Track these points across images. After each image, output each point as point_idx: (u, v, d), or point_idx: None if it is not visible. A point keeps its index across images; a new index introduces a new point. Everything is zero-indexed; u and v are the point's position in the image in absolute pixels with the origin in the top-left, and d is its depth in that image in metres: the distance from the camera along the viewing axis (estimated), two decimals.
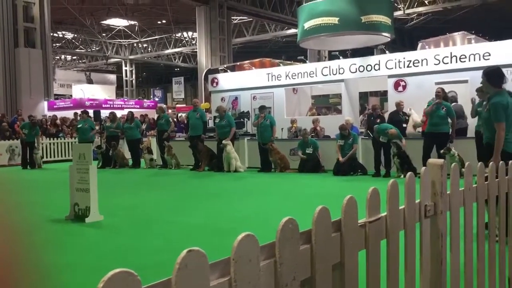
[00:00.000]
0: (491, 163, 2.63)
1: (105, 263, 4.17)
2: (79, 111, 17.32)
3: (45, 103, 22.60)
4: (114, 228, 5.85)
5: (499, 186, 2.66)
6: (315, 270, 1.30)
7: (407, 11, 28.75)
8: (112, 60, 42.50)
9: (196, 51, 31.91)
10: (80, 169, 6.23)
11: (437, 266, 1.95)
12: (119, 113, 16.75)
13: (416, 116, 11.37)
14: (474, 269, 2.30)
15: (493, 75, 4.84)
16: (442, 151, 9.02)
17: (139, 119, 17.24)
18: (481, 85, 5.50)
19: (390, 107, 12.89)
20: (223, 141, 11.98)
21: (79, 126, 14.73)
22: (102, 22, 34.60)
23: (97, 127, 16.51)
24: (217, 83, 17.30)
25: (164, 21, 35.08)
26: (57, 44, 37.45)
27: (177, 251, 0.93)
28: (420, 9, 28.70)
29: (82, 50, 40.73)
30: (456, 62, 12.15)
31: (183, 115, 21.19)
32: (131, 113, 15.21)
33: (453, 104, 10.34)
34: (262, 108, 12.73)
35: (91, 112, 16.59)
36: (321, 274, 1.32)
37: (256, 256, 1.08)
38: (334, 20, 15.56)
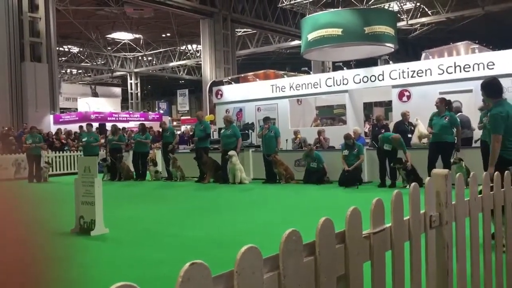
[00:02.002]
0: (496, 173, 2.62)
1: (109, 277, 4.16)
2: (84, 125, 17.22)
3: (51, 117, 22.74)
4: (119, 241, 5.84)
5: (505, 196, 2.64)
6: (319, 282, 1.29)
7: (411, 22, 28.78)
8: (117, 73, 42.80)
9: (200, 64, 32.10)
10: (86, 182, 6.24)
11: (443, 277, 1.93)
12: (125, 126, 16.71)
13: (423, 127, 11.30)
14: (481, 279, 2.28)
15: (489, 87, 4.87)
16: (453, 160, 8.96)
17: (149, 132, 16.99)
18: None
19: (395, 117, 12.88)
20: (229, 152, 11.95)
21: (84, 139, 14.65)
22: (107, 36, 34.95)
23: (102, 140, 16.55)
24: (221, 95, 17.36)
25: (168, 34, 35.36)
26: (63, 58, 37.80)
27: (180, 264, 0.93)
28: (424, 19, 28.75)
29: (88, 64, 41.06)
30: (460, 71, 12.15)
31: (188, 127, 21.23)
32: (142, 125, 15.21)
33: (458, 114, 10.25)
34: (266, 119, 12.75)
35: (96, 125, 16.61)
36: (325, 286, 1.31)
37: (260, 269, 1.08)
38: (338, 31, 15.65)
